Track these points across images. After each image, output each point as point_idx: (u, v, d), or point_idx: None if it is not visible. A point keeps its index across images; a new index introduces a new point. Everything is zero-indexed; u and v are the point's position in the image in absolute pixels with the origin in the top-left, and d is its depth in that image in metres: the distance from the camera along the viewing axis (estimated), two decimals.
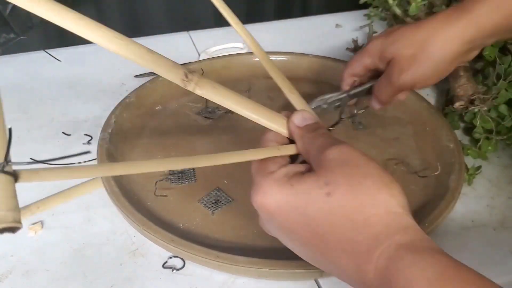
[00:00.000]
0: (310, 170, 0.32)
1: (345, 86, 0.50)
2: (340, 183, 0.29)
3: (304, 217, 0.29)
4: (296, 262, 0.40)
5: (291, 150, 0.35)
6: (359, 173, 0.29)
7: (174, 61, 0.33)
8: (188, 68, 0.33)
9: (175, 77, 0.32)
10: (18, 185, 0.53)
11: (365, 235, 0.28)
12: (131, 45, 0.31)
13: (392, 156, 0.53)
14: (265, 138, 0.36)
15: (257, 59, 0.67)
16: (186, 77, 0.32)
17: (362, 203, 0.28)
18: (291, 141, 0.36)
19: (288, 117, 0.36)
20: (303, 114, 0.36)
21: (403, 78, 0.44)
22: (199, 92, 0.33)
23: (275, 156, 0.34)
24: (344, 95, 0.49)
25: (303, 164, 0.33)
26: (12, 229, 0.24)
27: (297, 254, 0.32)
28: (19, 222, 0.25)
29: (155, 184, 0.49)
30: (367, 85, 0.49)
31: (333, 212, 0.28)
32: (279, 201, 0.31)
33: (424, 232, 0.28)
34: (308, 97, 0.63)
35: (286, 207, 0.30)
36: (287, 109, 0.62)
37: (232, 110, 0.35)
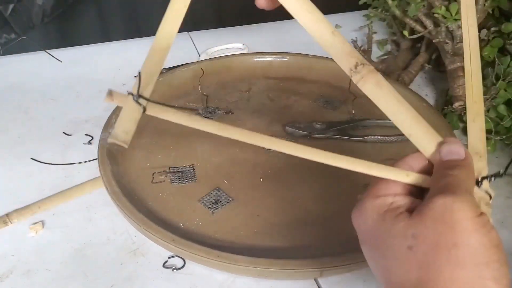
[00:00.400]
0: (408, 208, 0.29)
1: None
2: (426, 237, 0.25)
3: (376, 251, 0.28)
4: (296, 261, 0.40)
5: (420, 180, 0.31)
6: (454, 238, 0.25)
7: (352, 48, 0.32)
8: (363, 60, 0.32)
9: (345, 64, 0.32)
10: (18, 185, 0.54)
11: None
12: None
13: (391, 156, 0.53)
14: (404, 160, 0.33)
15: (257, 59, 0.67)
16: (356, 68, 0.32)
17: (440, 276, 0.25)
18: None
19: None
20: (451, 147, 0.31)
21: None
22: (361, 86, 0.32)
23: (395, 181, 0.30)
24: None
25: (415, 200, 0.30)
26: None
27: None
28: (127, 144, 0.30)
29: (152, 175, 0.50)
30: None
31: (409, 268, 0.26)
32: (366, 225, 0.29)
33: None
34: (308, 97, 0.64)
35: (369, 234, 0.29)
36: (288, 108, 0.62)
37: (386, 114, 0.32)
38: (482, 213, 0.26)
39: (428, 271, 0.25)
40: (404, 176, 0.31)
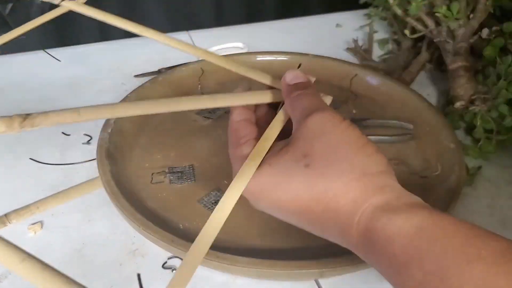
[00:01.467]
0: (285, 144, 0.32)
1: None
2: (317, 153, 0.29)
3: (287, 192, 0.30)
4: (296, 262, 0.40)
5: (278, 96, 0.35)
6: (336, 141, 0.30)
7: None
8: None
9: None
10: (16, 186, 0.53)
11: (345, 201, 0.28)
12: None
13: (392, 156, 0.53)
14: (233, 118, 0.36)
15: (257, 59, 0.67)
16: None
17: (339, 169, 0.29)
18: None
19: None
20: (295, 73, 0.36)
21: None
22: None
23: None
24: None
25: (279, 141, 0.33)
26: None
27: (293, 225, 0.33)
28: None
29: (152, 175, 0.50)
30: None
31: (314, 183, 0.29)
32: (261, 184, 0.31)
33: (404, 189, 0.29)
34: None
35: (269, 187, 0.31)
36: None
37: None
38: (344, 118, 0.31)
39: (333, 176, 0.28)
40: (263, 96, 0.35)
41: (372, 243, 0.27)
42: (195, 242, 0.29)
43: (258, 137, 0.34)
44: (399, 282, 0.26)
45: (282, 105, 0.36)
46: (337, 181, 0.28)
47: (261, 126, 0.36)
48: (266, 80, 0.38)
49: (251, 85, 0.67)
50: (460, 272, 0.23)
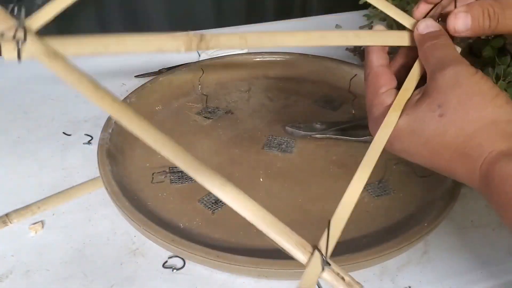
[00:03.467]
0: (422, 94, 0.33)
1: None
2: (451, 104, 0.31)
3: (421, 138, 0.32)
4: (296, 261, 0.40)
5: (407, 40, 0.36)
6: (469, 92, 0.31)
7: None
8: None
9: None
10: (17, 185, 0.53)
11: (473, 147, 0.31)
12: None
13: (391, 156, 0.53)
14: (373, 62, 0.36)
15: (257, 59, 0.67)
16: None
17: (471, 118, 0.31)
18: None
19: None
20: (427, 22, 0.36)
21: None
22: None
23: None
24: None
25: (415, 91, 0.35)
26: None
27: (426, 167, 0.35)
28: None
29: (152, 174, 0.50)
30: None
31: (446, 130, 0.31)
32: (397, 130, 0.33)
33: None
34: (308, 97, 0.64)
35: (404, 134, 0.33)
36: (288, 108, 0.62)
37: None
38: (477, 70, 0.33)
39: (465, 124, 0.31)
40: (402, 39, 0.35)
41: (490, 183, 0.30)
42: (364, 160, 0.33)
43: (396, 87, 0.35)
44: (505, 218, 0.29)
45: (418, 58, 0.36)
46: (467, 128, 0.31)
47: (401, 74, 0.37)
48: (408, 22, 0.37)
49: (250, 86, 0.67)
50: None
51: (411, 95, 0.34)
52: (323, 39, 0.33)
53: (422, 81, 0.35)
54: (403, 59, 0.38)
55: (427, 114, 0.32)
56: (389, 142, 0.34)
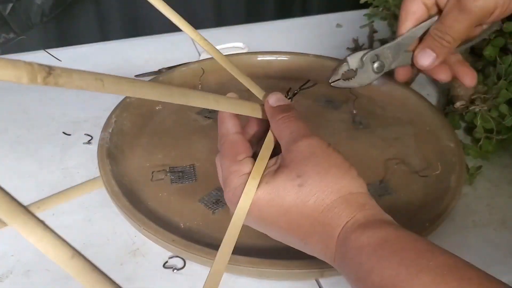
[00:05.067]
0: (279, 165, 0.34)
1: (405, 26, 0.44)
2: (310, 174, 0.32)
3: (280, 208, 0.32)
4: (297, 262, 0.40)
5: (260, 113, 0.38)
6: (326, 164, 0.33)
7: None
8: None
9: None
10: (17, 185, 0.53)
11: (333, 217, 0.31)
12: None
13: (392, 156, 0.53)
14: (229, 129, 0.37)
15: (257, 59, 0.67)
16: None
17: (330, 189, 0.32)
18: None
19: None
20: (277, 96, 0.38)
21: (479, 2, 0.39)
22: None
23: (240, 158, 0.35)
24: (397, 40, 0.43)
25: (270, 160, 0.36)
26: None
27: (277, 239, 0.35)
28: None
29: (152, 173, 0.50)
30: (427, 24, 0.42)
31: (307, 200, 0.32)
32: (256, 199, 0.33)
33: (380, 208, 0.33)
34: (308, 97, 0.64)
35: (263, 203, 0.33)
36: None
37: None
38: (329, 144, 0.34)
39: (324, 194, 0.32)
40: (250, 110, 0.37)
41: (346, 252, 0.30)
42: (217, 255, 0.33)
43: (252, 155, 0.36)
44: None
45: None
46: (327, 199, 0.32)
47: (252, 143, 0.38)
48: (259, 94, 0.40)
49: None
50: (410, 279, 0.26)
51: (267, 165, 0.35)
52: (184, 98, 0.31)
53: (275, 150, 0.36)
54: (255, 128, 0.39)
55: (287, 184, 0.32)
56: (247, 211, 0.34)
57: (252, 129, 0.39)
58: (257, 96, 0.39)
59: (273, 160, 0.35)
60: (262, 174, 0.34)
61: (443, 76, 0.45)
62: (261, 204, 0.33)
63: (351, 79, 0.42)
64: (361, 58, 0.43)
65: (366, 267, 0.29)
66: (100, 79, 0.23)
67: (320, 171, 0.32)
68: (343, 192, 0.32)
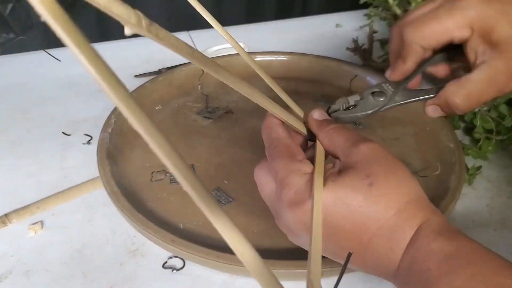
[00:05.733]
0: (341, 167, 0.33)
1: (412, 57, 0.39)
2: (379, 174, 0.31)
3: (347, 209, 0.30)
4: (296, 262, 0.40)
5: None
6: (392, 166, 0.32)
7: None
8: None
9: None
10: (17, 185, 0.53)
11: (406, 220, 0.30)
12: None
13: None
14: (282, 135, 0.36)
15: (257, 59, 0.67)
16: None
17: (401, 191, 0.30)
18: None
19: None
20: (321, 111, 0.38)
21: None
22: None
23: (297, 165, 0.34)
24: (401, 102, 0.41)
25: (326, 165, 0.34)
26: None
27: (327, 254, 0.33)
28: None
29: (151, 173, 0.50)
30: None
31: (376, 201, 0.30)
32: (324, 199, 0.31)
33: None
34: (308, 97, 0.64)
35: (329, 202, 0.31)
36: (288, 108, 0.62)
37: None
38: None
39: (395, 195, 0.30)
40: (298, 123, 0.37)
41: (415, 257, 0.29)
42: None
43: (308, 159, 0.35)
44: None
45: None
46: (399, 201, 0.30)
47: None
48: (299, 112, 0.40)
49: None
50: None
51: (325, 168, 0.33)
52: (251, 92, 0.34)
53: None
54: (299, 141, 0.38)
55: (356, 182, 0.30)
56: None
57: (297, 141, 0.38)
58: (296, 111, 0.40)
59: (330, 165, 0.34)
60: (324, 175, 0.32)
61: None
62: (327, 204, 0.31)
63: (351, 108, 0.41)
64: (360, 95, 0.41)
65: (434, 273, 0.27)
66: (190, 47, 0.25)
67: (388, 172, 0.31)
68: (413, 195, 0.31)
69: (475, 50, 0.36)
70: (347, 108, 0.41)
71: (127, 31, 0.22)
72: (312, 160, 0.35)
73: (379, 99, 0.41)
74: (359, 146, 0.32)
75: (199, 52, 0.26)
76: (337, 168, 0.33)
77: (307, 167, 0.33)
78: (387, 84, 0.41)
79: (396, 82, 0.41)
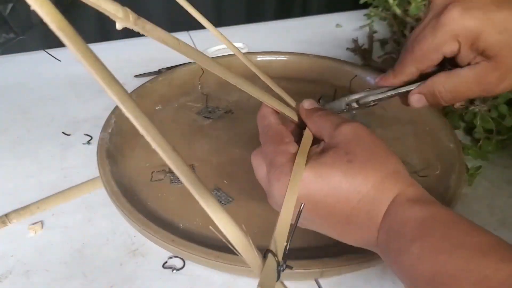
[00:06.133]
0: (324, 147, 0.35)
1: (403, 77, 0.41)
2: (358, 152, 0.33)
3: (328, 185, 0.32)
4: (296, 262, 0.40)
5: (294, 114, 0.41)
6: (372, 144, 0.34)
7: None
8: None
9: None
10: (17, 185, 0.53)
11: (383, 190, 0.32)
12: None
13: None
14: (273, 121, 0.39)
15: (257, 59, 0.67)
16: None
17: (378, 166, 0.32)
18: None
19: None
20: (310, 101, 0.40)
21: (505, 86, 0.37)
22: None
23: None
24: (390, 93, 0.41)
25: (312, 147, 0.36)
26: None
27: (314, 228, 0.35)
28: None
29: (151, 173, 0.50)
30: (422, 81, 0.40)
31: (355, 176, 0.32)
32: (303, 176, 0.33)
33: (425, 190, 0.33)
34: (308, 97, 0.64)
35: (311, 179, 0.33)
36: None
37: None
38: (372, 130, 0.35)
39: (373, 170, 0.32)
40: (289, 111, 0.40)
41: (391, 225, 0.31)
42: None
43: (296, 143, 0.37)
44: (398, 263, 0.29)
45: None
46: (376, 175, 0.32)
47: None
48: (291, 102, 0.43)
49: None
50: (451, 252, 0.27)
51: (310, 150, 0.36)
52: (242, 83, 0.38)
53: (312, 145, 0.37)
54: (290, 128, 0.41)
55: (336, 160, 0.33)
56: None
57: (290, 129, 0.41)
58: (289, 102, 0.42)
59: (315, 146, 0.36)
60: (308, 154, 0.34)
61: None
62: (309, 181, 0.33)
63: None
64: (343, 103, 0.44)
65: (408, 237, 0.29)
66: (176, 39, 0.26)
67: (367, 150, 0.33)
68: (391, 170, 0.32)
69: (467, 58, 0.38)
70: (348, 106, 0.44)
71: (118, 25, 0.23)
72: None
73: (372, 92, 0.43)
74: (341, 127, 0.35)
75: (185, 43, 0.26)
76: (320, 149, 0.35)
77: (292, 147, 0.35)
78: (371, 96, 0.44)
79: (381, 93, 0.43)
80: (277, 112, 0.40)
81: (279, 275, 0.26)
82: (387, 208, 0.32)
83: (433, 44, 0.38)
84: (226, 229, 0.23)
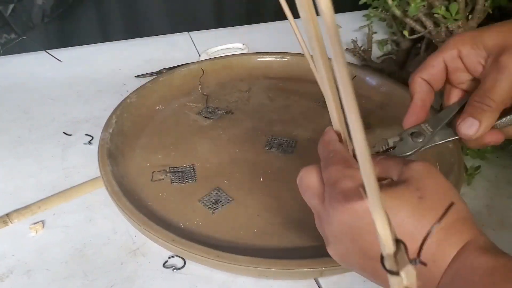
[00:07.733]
0: (391, 184, 0.33)
1: (450, 99, 0.42)
2: (430, 190, 0.31)
3: (394, 217, 0.30)
4: (296, 261, 0.40)
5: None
6: (443, 184, 0.32)
7: None
8: None
9: None
10: (18, 185, 0.53)
11: (453, 235, 0.30)
12: None
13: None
14: (332, 146, 0.37)
15: (257, 59, 0.67)
16: None
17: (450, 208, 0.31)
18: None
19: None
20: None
21: None
22: None
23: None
24: (437, 114, 0.41)
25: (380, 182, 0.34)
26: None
27: (359, 266, 0.33)
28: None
29: (152, 173, 0.50)
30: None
31: (424, 214, 0.30)
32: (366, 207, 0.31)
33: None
34: (308, 97, 0.64)
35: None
36: (288, 108, 0.62)
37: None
38: None
39: (440, 209, 0.30)
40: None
41: (459, 270, 0.29)
42: None
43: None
44: None
45: None
46: (447, 217, 0.30)
47: None
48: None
49: (250, 86, 0.66)
50: None
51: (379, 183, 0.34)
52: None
53: None
54: None
55: (406, 194, 0.31)
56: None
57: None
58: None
59: (381, 182, 0.35)
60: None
61: (494, 138, 0.41)
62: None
63: (391, 150, 0.41)
64: (399, 135, 0.42)
65: (478, 285, 0.28)
66: None
67: (439, 189, 0.32)
68: (462, 215, 0.31)
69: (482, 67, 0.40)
70: (387, 150, 0.41)
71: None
72: None
73: (417, 140, 0.42)
74: (411, 164, 0.33)
75: None
76: (387, 182, 0.34)
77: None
78: (426, 125, 0.42)
79: (434, 121, 0.42)
80: (341, 140, 0.37)
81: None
82: (457, 253, 0.30)
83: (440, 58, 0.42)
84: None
